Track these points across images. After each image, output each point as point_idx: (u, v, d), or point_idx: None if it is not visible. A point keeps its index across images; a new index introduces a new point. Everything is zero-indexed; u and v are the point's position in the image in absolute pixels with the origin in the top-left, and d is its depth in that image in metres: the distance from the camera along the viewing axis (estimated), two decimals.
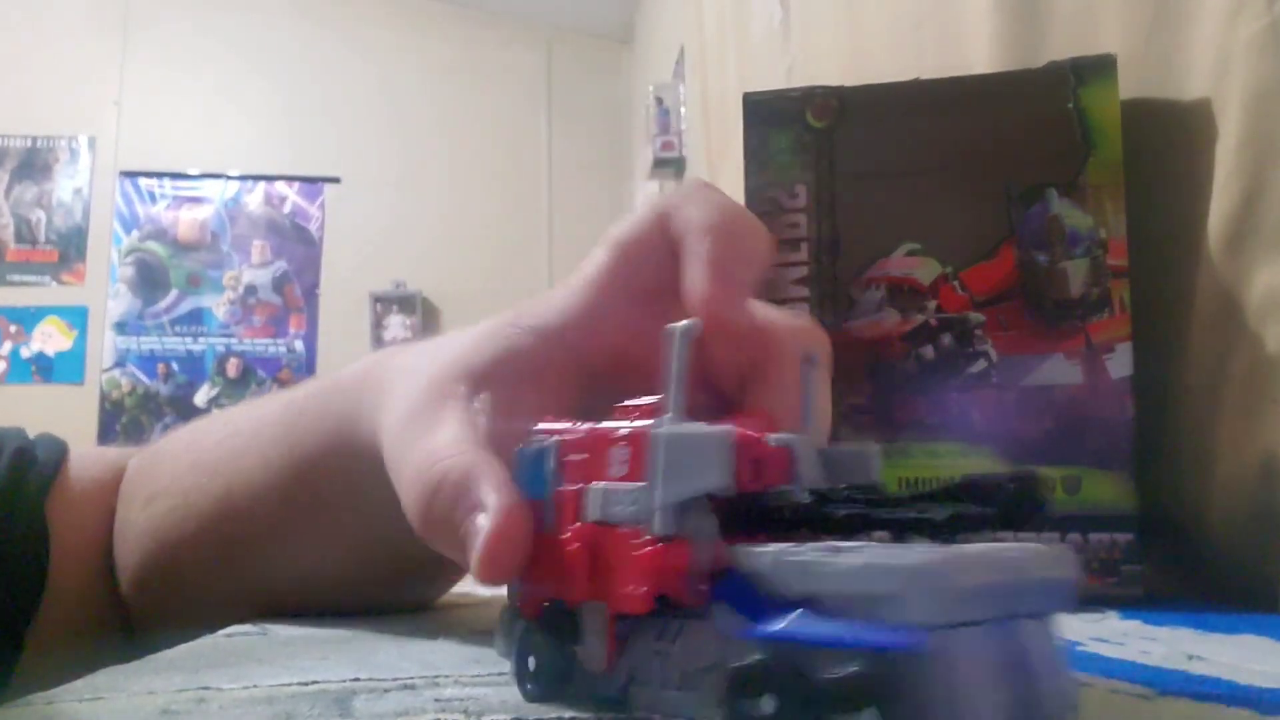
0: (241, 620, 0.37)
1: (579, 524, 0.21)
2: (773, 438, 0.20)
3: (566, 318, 0.28)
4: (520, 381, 0.27)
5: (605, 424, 0.22)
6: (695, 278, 0.24)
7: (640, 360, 0.23)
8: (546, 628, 0.21)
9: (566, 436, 0.22)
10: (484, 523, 0.22)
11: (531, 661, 0.22)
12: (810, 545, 0.18)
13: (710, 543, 0.19)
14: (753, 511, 0.20)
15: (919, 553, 0.17)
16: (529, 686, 0.22)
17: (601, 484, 0.21)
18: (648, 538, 0.19)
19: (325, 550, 0.38)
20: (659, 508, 0.19)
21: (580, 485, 0.21)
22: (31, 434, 0.46)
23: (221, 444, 0.40)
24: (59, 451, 0.45)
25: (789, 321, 0.27)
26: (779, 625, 0.17)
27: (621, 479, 0.20)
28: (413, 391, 0.28)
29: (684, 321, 0.21)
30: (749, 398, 0.25)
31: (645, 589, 0.19)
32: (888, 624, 0.16)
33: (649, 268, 0.26)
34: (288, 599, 0.39)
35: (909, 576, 0.16)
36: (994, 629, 0.17)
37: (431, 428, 0.26)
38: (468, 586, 0.46)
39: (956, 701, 0.16)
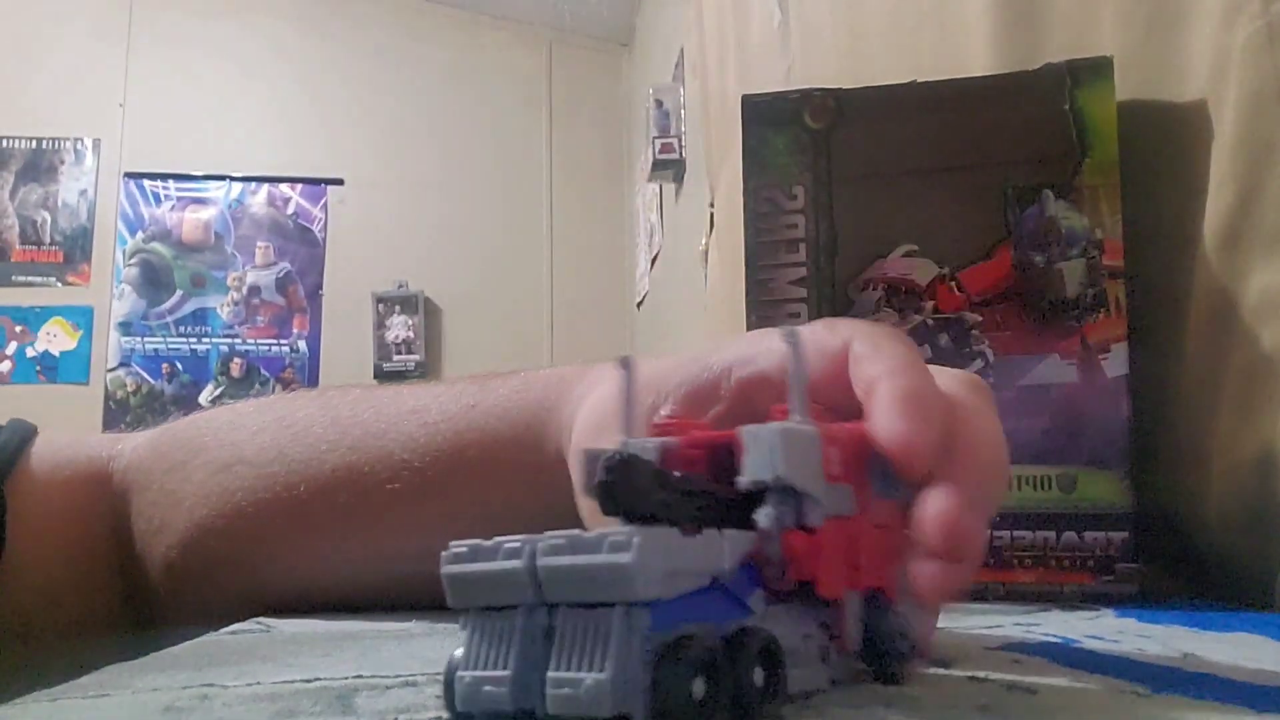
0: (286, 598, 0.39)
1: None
2: (744, 429, 0.22)
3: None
4: (695, 406, 0.30)
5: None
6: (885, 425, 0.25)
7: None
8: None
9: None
10: None
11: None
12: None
13: None
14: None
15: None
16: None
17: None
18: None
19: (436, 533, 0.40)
20: None
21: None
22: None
23: (338, 422, 0.42)
24: (23, 434, 0.45)
25: (959, 390, 0.28)
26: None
27: None
28: (606, 399, 0.34)
29: (789, 328, 0.23)
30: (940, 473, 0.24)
31: None
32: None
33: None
34: (358, 582, 0.41)
35: None
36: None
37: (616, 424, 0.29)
38: None
39: None
